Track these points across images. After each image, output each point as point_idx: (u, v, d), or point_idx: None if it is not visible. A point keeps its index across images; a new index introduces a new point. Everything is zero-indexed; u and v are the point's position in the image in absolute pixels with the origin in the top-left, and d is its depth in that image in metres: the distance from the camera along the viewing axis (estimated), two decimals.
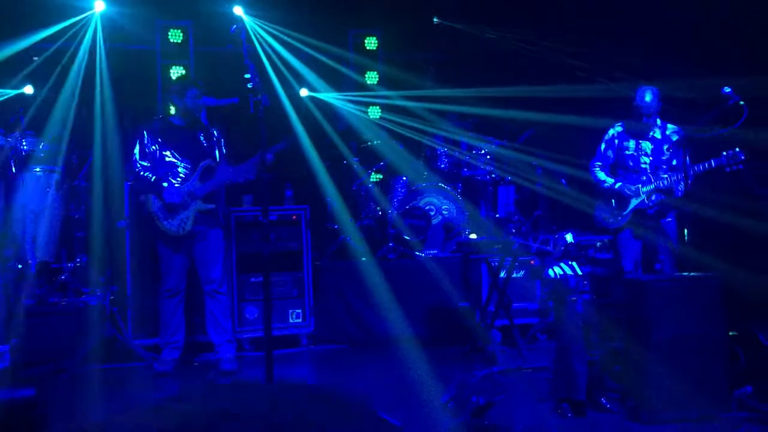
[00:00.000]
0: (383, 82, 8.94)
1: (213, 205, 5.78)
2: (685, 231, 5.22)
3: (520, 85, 7.81)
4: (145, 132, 5.78)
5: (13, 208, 6.29)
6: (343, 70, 8.78)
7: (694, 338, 4.22)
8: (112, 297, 6.34)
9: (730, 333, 4.40)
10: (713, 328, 4.28)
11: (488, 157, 8.01)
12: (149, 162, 5.73)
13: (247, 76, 4.04)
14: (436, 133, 8.21)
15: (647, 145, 5.61)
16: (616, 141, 5.71)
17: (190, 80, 6.81)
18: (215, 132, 5.96)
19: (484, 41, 8.56)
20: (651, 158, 5.59)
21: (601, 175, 5.71)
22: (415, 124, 8.25)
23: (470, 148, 8.10)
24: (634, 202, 5.50)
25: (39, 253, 6.31)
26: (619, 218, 5.56)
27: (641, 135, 5.62)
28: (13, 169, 6.34)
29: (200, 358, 6.27)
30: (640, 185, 5.53)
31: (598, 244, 6.82)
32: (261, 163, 5.17)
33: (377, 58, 9.09)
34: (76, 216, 6.69)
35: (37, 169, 6.41)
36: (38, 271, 6.26)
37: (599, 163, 5.77)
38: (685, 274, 4.47)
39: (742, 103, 4.92)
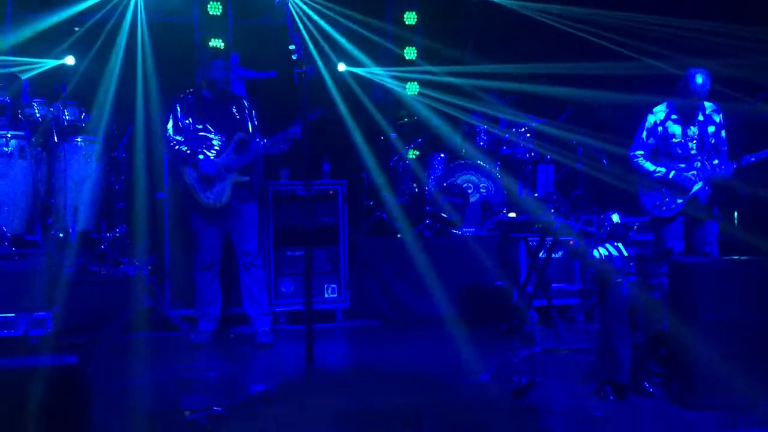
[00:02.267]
0: (422, 57, 8.83)
1: (248, 178, 5.77)
2: (735, 214, 5.08)
3: (563, 62, 7.66)
4: (178, 106, 5.77)
5: (55, 178, 6.36)
6: (382, 43, 8.68)
7: (741, 323, 4.12)
8: (150, 267, 6.38)
9: None
10: (762, 313, 4.17)
11: (528, 134, 7.89)
12: (183, 136, 5.73)
13: (292, 47, 3.98)
14: (476, 109, 8.10)
15: (693, 130, 5.36)
16: (660, 128, 5.41)
17: (215, 51, 6.83)
18: (246, 103, 5.92)
19: (525, 16, 8.39)
20: (698, 143, 5.37)
21: (649, 166, 5.42)
22: (454, 101, 8.14)
23: (510, 125, 7.98)
24: (695, 189, 5.28)
25: (80, 222, 6.37)
26: (674, 206, 5.33)
27: (688, 119, 5.37)
28: (55, 139, 6.39)
29: (236, 330, 6.30)
30: (695, 171, 5.32)
31: (636, 225, 6.72)
32: (293, 134, 5.17)
33: (416, 33, 8.97)
34: (116, 187, 6.73)
35: (79, 139, 6.46)
36: (79, 240, 6.32)
37: (641, 152, 5.46)
38: (735, 257, 4.35)
39: None
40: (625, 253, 4.30)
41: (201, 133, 5.73)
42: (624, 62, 7.54)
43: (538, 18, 8.23)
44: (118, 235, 6.65)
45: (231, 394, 4.24)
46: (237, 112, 5.84)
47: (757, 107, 4.96)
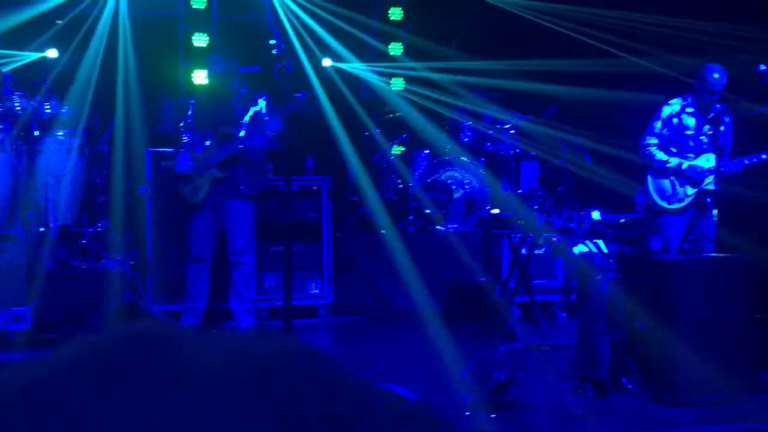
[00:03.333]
0: (408, 53, 8.81)
1: (223, 174, 5.68)
2: (715, 212, 5.12)
3: (547, 59, 7.67)
4: (190, 104, 5.87)
5: (35, 172, 6.29)
6: (367, 40, 8.66)
7: (720, 320, 4.14)
8: (132, 262, 6.33)
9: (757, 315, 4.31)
10: (740, 310, 4.19)
11: (512, 131, 7.89)
12: (191, 132, 5.79)
13: (272, 42, 3.97)
14: (460, 105, 8.09)
15: (707, 126, 5.41)
16: (675, 120, 5.46)
17: (214, 47, 6.80)
18: (253, 98, 5.83)
19: (510, 13, 8.40)
20: (710, 138, 5.41)
21: (662, 155, 5.45)
22: (439, 97, 8.14)
23: (494, 122, 7.98)
24: (706, 182, 5.34)
25: (60, 216, 6.32)
26: (684, 198, 5.38)
27: (703, 114, 5.41)
28: (36, 133, 6.33)
29: (220, 326, 6.26)
30: (706, 165, 5.36)
31: (622, 221, 6.74)
32: (273, 127, 5.15)
33: (402, 28, 8.96)
34: (98, 181, 6.68)
35: (60, 133, 6.40)
36: (59, 234, 6.26)
37: (655, 141, 5.49)
38: (714, 254, 4.37)
39: None
40: (605, 250, 4.31)
41: (200, 128, 5.77)
42: (608, 59, 7.57)
43: (525, 15, 8.25)
44: (99, 229, 6.59)
45: None
46: (232, 107, 5.81)
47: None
